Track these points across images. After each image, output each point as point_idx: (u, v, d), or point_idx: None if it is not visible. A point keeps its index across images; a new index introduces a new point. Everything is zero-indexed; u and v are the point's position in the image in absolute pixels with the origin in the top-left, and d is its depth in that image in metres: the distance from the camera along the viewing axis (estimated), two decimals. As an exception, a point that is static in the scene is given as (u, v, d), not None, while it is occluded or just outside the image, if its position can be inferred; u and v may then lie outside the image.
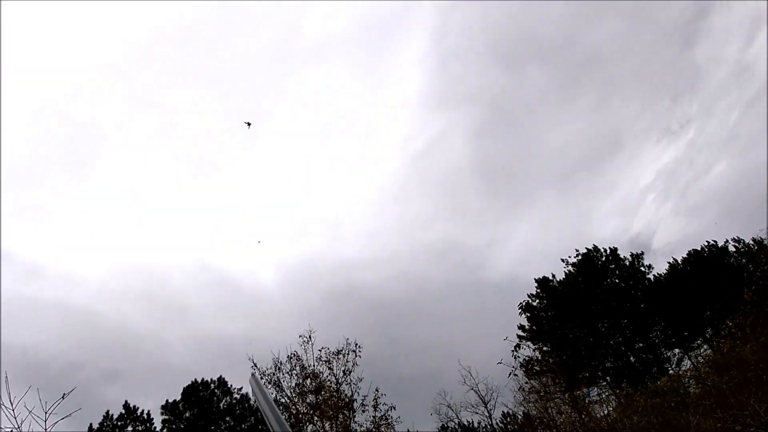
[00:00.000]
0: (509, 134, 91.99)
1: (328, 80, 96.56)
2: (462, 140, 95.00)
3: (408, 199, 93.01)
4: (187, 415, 30.63)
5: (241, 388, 31.66)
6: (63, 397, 6.78)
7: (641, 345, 31.13)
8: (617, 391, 27.18)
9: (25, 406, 6.50)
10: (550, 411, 26.69)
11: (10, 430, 6.47)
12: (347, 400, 18.66)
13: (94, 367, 51.56)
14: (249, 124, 20.18)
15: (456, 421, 30.37)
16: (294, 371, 19.07)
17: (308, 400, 18.74)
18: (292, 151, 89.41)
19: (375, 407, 18.66)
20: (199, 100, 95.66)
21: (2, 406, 6.45)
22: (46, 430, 6.54)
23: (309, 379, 18.95)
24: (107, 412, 30.05)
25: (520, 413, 30.35)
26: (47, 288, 74.32)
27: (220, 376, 32.50)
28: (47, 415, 6.57)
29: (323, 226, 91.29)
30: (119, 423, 29.85)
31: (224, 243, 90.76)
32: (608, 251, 32.94)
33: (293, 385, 18.95)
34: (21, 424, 6.51)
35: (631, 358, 30.69)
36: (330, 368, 19.01)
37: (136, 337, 64.64)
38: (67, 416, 6.77)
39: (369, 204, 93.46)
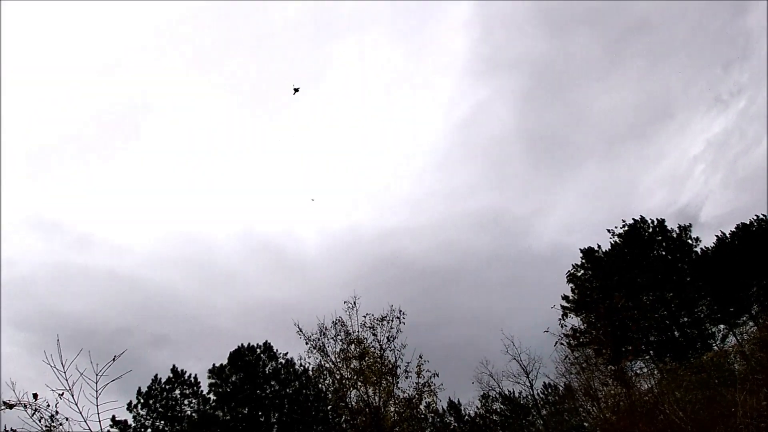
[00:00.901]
0: (555, 101, 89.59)
1: (370, 47, 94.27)
2: (506, 107, 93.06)
3: (451, 168, 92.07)
4: (233, 379, 30.87)
5: (287, 353, 31.98)
6: (114, 359, 6.79)
7: (686, 319, 30.35)
8: (660, 366, 26.52)
9: (77, 369, 6.60)
10: (592, 383, 26.23)
11: (62, 391, 6.54)
12: (390, 366, 18.61)
13: (143, 333, 52.73)
14: (296, 90, 19.11)
15: (497, 390, 30.34)
16: (339, 337, 19.07)
17: (352, 366, 18.75)
18: (335, 120, 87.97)
19: (418, 374, 18.72)
20: (244, 70, 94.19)
21: (54, 369, 6.47)
22: (96, 391, 6.60)
23: (353, 345, 18.93)
24: (155, 376, 30.49)
25: (562, 385, 30.16)
26: (97, 256, 75.83)
27: (266, 341, 32.59)
28: (98, 377, 6.62)
29: (367, 195, 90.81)
30: (167, 386, 30.26)
31: (270, 212, 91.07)
32: (655, 222, 31.95)
33: (338, 350, 19.02)
34: (72, 386, 6.60)
35: (676, 332, 29.95)
36: (374, 334, 18.96)
37: (183, 303, 66.21)
38: (117, 378, 6.79)
39: (412, 172, 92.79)
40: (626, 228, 31.51)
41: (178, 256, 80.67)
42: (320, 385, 21.64)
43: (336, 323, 18.97)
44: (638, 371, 26.34)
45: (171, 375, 30.68)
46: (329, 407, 23.56)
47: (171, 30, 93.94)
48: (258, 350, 32.05)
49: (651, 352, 28.79)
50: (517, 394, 30.97)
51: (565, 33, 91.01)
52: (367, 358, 18.52)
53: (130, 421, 28.29)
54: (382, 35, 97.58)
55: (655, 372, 26.74)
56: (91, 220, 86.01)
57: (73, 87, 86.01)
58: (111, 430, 27.10)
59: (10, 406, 6.53)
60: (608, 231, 31.67)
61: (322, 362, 18.82)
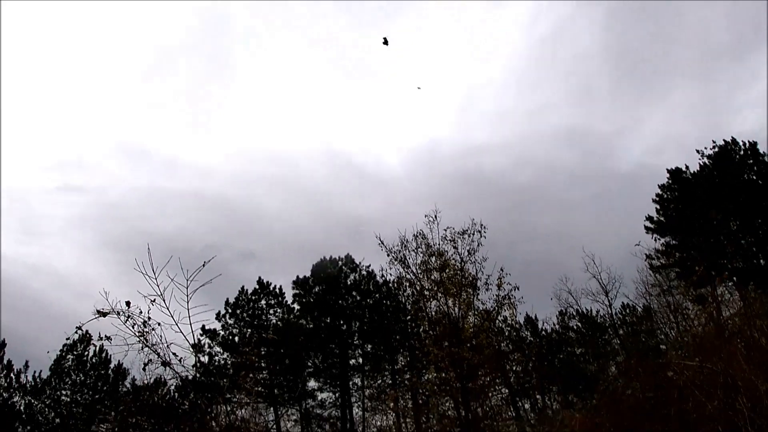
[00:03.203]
0: (643, 15, 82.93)
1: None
2: (592, 21, 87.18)
3: (533, 85, 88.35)
4: (316, 290, 32.25)
5: (369, 265, 32.72)
6: (203, 264, 6.93)
7: (774, 247, 29.11)
8: (743, 293, 25.74)
9: (167, 275, 6.79)
10: (674, 302, 25.88)
11: (153, 298, 6.75)
12: (471, 278, 18.53)
13: (230, 249, 55.39)
14: (386, 41, 18.81)
15: (575, 307, 30.40)
16: (419, 249, 19.05)
17: (432, 277, 18.81)
18: (416, 32, 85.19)
19: (499, 286, 18.46)
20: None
21: (146, 276, 6.68)
22: (187, 296, 6.81)
23: (434, 257, 18.92)
24: (242, 287, 32.13)
25: (641, 306, 29.85)
26: (184, 179, 79.28)
27: (348, 254, 33.58)
28: (188, 282, 6.84)
29: (449, 109, 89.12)
30: (253, 297, 31.92)
31: (350, 130, 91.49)
32: (747, 145, 30.17)
33: (418, 262, 18.99)
34: (163, 291, 6.81)
35: (761, 260, 28.79)
36: (455, 247, 18.79)
37: (269, 220, 68.89)
38: (207, 282, 6.98)
39: (495, 87, 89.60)
40: (716, 149, 29.92)
41: (261, 174, 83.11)
42: (400, 297, 22.22)
43: (417, 236, 18.89)
44: (720, 298, 25.74)
45: (257, 287, 32.23)
46: (408, 318, 24.32)
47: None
48: (340, 262, 33.09)
49: (734, 278, 27.92)
50: (594, 313, 30.89)
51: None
52: (447, 270, 18.50)
53: (219, 330, 30.41)
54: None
55: (738, 300, 26.01)
56: (177, 144, 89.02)
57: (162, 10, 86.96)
58: (201, 338, 29.13)
59: (104, 314, 6.62)
60: (697, 152, 30.26)
61: (403, 273, 18.89)
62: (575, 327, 31.49)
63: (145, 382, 7.33)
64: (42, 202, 69.42)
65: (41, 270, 53.90)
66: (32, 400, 27.02)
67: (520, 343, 28.05)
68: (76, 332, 6.65)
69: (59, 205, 70.36)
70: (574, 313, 30.85)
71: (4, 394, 26.45)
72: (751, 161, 29.50)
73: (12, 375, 27.19)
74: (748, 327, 6.50)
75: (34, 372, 27.75)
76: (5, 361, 27.36)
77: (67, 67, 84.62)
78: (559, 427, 9.80)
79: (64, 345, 27.44)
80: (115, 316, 6.74)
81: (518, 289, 18.56)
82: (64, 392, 27.81)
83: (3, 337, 27.73)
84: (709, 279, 20.69)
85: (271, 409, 28.59)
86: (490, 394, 21.39)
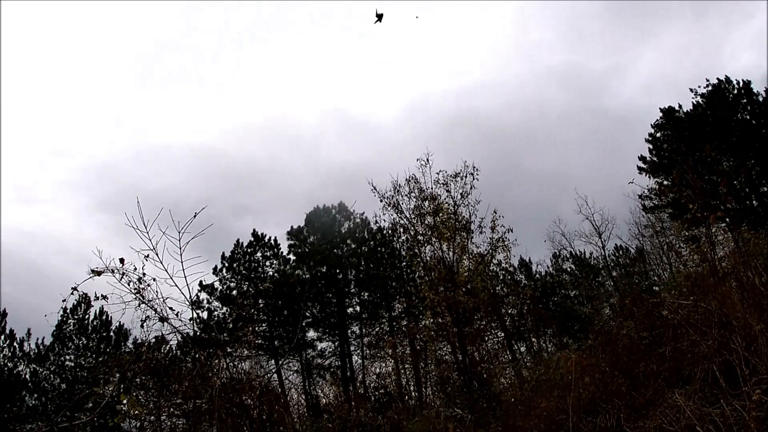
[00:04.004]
0: None
1: None
2: None
3: (524, 22, 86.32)
4: (311, 239, 32.29)
5: (363, 212, 32.72)
6: (195, 215, 6.77)
7: (766, 189, 29.21)
8: (736, 233, 25.95)
9: (159, 227, 6.64)
10: (664, 247, 26.22)
11: (146, 252, 6.63)
12: (465, 222, 18.49)
13: (224, 203, 55.13)
14: (380, 17, 17.55)
15: (569, 249, 30.74)
16: (412, 194, 18.88)
17: (426, 222, 18.75)
18: None
19: (493, 229, 18.47)
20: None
21: (137, 230, 6.56)
22: (180, 248, 6.71)
23: (427, 202, 18.79)
24: (237, 240, 32.14)
25: (634, 247, 30.25)
26: (174, 132, 78.12)
27: (341, 202, 33.55)
28: (180, 234, 6.72)
29: (439, 53, 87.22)
30: (249, 250, 31.98)
31: (341, 77, 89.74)
32: (741, 84, 29.88)
33: (411, 206, 18.85)
34: (156, 245, 6.69)
35: (754, 201, 28.94)
36: (447, 191, 18.64)
37: (261, 171, 68.25)
38: (200, 233, 6.86)
39: (484, 26, 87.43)
40: (710, 88, 29.72)
41: (253, 127, 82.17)
42: (395, 243, 22.28)
43: (409, 180, 18.69)
44: (714, 238, 25.89)
45: (252, 239, 32.30)
46: (404, 264, 24.55)
47: None
48: (333, 211, 33.11)
49: (727, 219, 28.15)
50: (588, 255, 31.35)
51: None
52: (441, 214, 18.42)
53: (217, 285, 30.63)
54: None
55: (730, 241, 26.26)
56: (164, 99, 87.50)
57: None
58: (199, 293, 29.33)
59: (98, 273, 6.53)
60: (690, 90, 30.02)
61: (397, 219, 18.82)
62: (569, 269, 31.92)
63: (145, 339, 7.30)
64: (33, 167, 68.39)
65: (38, 237, 53.64)
66: (37, 368, 27.39)
67: (515, 287, 28.36)
68: (72, 293, 6.58)
69: (51, 170, 69.19)
70: (568, 256, 31.25)
71: (9, 364, 26.75)
72: (745, 101, 29.29)
73: (15, 344, 27.46)
74: (742, 267, 6.52)
75: (37, 339, 28.09)
76: (7, 331, 27.59)
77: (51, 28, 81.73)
78: (555, 368, 9.97)
79: (62, 308, 27.55)
80: (110, 274, 6.65)
81: (512, 231, 18.57)
82: (67, 357, 28.18)
83: (3, 307, 27.90)
84: (702, 218, 20.83)
85: (272, 360, 29.08)
86: (486, 338, 21.79)
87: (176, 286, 6.83)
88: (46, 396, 26.97)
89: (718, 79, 29.90)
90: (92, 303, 7.92)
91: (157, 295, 6.91)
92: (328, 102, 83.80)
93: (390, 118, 79.90)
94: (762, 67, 54.21)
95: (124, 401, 6.37)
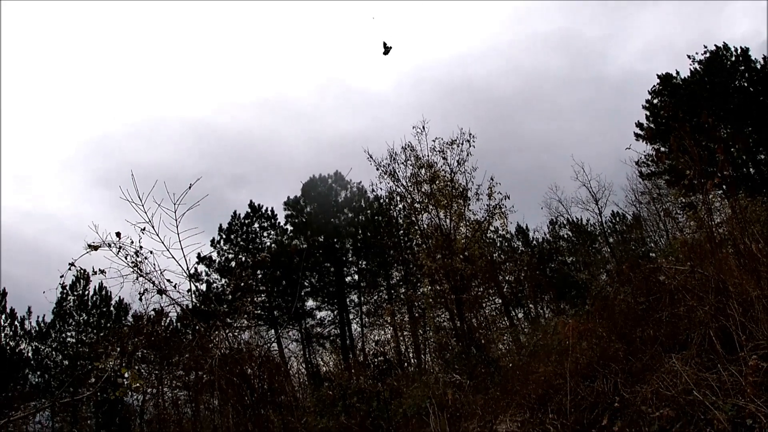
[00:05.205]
0: None
1: None
2: None
3: None
4: (308, 209, 32.23)
5: (360, 182, 32.53)
6: (189, 186, 6.80)
7: (763, 157, 29.16)
8: (732, 201, 25.92)
9: (154, 200, 6.70)
10: (661, 214, 26.29)
11: (143, 226, 6.69)
12: (461, 189, 18.45)
13: (222, 175, 54.88)
14: (387, 49, 16.73)
15: (565, 216, 30.79)
16: (408, 162, 18.83)
17: (423, 190, 18.71)
18: None
19: (489, 196, 18.44)
20: None
21: (132, 203, 6.62)
22: (176, 219, 6.76)
23: (423, 169, 18.74)
24: (234, 212, 32.03)
25: (630, 214, 30.34)
26: (170, 107, 77.23)
27: (337, 171, 33.33)
28: (176, 206, 6.77)
29: (434, 19, 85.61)
30: (246, 221, 31.90)
31: (337, 48, 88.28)
32: (739, 51, 29.56)
33: (408, 174, 18.81)
34: (152, 217, 6.75)
35: (751, 169, 28.92)
36: (444, 158, 18.56)
37: (257, 143, 67.83)
38: (195, 204, 6.91)
39: None
40: (707, 55, 29.41)
41: (248, 99, 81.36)
42: (392, 212, 22.19)
43: (405, 148, 18.60)
44: (710, 206, 25.90)
45: (249, 210, 32.26)
46: (401, 232, 24.53)
47: None
48: (329, 180, 32.93)
49: (724, 186, 28.13)
50: (585, 222, 31.44)
51: None
52: (437, 182, 18.42)
53: (215, 257, 30.65)
54: None
55: (726, 208, 26.21)
56: (161, 73, 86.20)
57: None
58: (198, 266, 29.29)
59: (95, 248, 6.58)
60: (688, 57, 29.73)
61: (394, 187, 18.85)
62: (566, 236, 32.04)
63: (144, 312, 7.31)
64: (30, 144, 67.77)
65: (36, 216, 53.40)
66: (39, 346, 27.52)
67: (512, 254, 28.49)
68: (69, 269, 6.58)
69: (47, 147, 68.51)
70: (565, 222, 31.35)
71: (11, 343, 26.86)
72: (743, 68, 29.02)
73: (16, 323, 27.52)
74: (739, 233, 6.53)
75: (38, 317, 28.10)
76: (8, 310, 27.63)
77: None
78: (552, 334, 10.07)
79: (60, 284, 27.41)
80: (107, 248, 6.70)
81: (509, 198, 18.51)
82: (69, 334, 28.29)
83: (3, 286, 27.89)
84: (700, 185, 20.81)
85: (272, 331, 29.31)
86: (484, 305, 21.99)
87: (173, 258, 6.89)
88: (49, 373, 27.19)
89: (716, 45, 29.58)
90: (91, 278, 7.90)
91: (154, 268, 6.95)
92: (324, 72, 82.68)
93: (388, 87, 79.01)
94: (761, 35, 53.38)
95: (126, 375, 6.39)
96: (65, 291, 28.30)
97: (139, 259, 6.85)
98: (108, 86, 77.47)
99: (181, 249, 6.85)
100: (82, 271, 6.66)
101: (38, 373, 27.15)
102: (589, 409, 5.99)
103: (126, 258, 6.81)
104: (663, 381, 5.14)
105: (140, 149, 63.96)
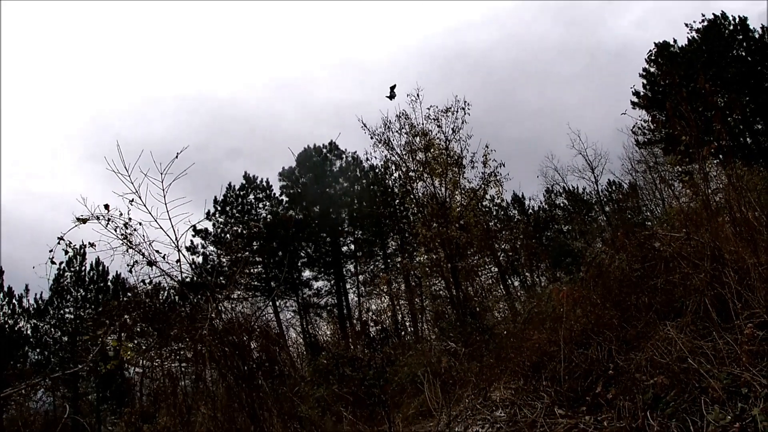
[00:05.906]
0: None
1: None
2: None
3: None
4: (303, 180, 32.22)
5: (355, 151, 32.42)
6: (176, 156, 6.60)
7: (760, 126, 29.06)
8: (728, 169, 25.85)
9: (141, 170, 6.49)
10: (657, 183, 26.28)
11: (131, 197, 6.51)
12: (456, 157, 18.32)
13: (217, 147, 54.38)
14: (393, 93, 16.77)
15: (561, 185, 30.82)
16: (403, 130, 18.61)
17: (418, 158, 18.56)
18: None
19: (485, 163, 18.32)
20: None
21: (118, 174, 6.41)
22: (163, 189, 6.57)
23: (418, 137, 18.55)
24: (229, 184, 31.93)
25: (627, 182, 30.35)
26: (163, 82, 76.18)
27: (331, 141, 33.12)
28: (163, 175, 6.56)
29: None
30: (241, 192, 31.78)
31: (329, 16, 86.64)
32: (737, 20, 29.25)
33: (403, 143, 18.60)
34: (138, 188, 6.54)
35: (748, 138, 28.83)
36: (439, 126, 18.34)
37: (251, 114, 67.09)
38: (182, 174, 6.67)
39: None
40: (705, 23, 29.10)
41: (240, 70, 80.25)
42: (387, 181, 22.08)
43: (400, 117, 18.33)
44: (706, 173, 25.81)
45: (244, 182, 32.17)
46: (396, 201, 24.49)
47: None
48: (324, 150, 32.82)
49: (720, 156, 28.07)
50: (581, 190, 31.48)
51: None
52: (432, 150, 18.28)
53: (211, 230, 30.59)
54: None
55: (722, 176, 26.13)
56: (155, 46, 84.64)
57: None
58: (193, 239, 29.16)
59: (83, 221, 6.45)
60: (686, 25, 29.42)
61: (388, 156, 18.62)
62: (562, 204, 32.12)
63: (136, 284, 7.26)
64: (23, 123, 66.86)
65: (33, 194, 52.95)
66: (37, 323, 27.58)
67: (508, 222, 28.55)
68: (58, 243, 6.51)
69: (40, 125, 67.57)
70: (561, 191, 31.37)
71: (10, 321, 26.89)
72: (741, 37, 28.75)
73: (14, 301, 27.50)
74: (736, 200, 6.46)
75: (35, 294, 28.03)
76: (6, 288, 27.56)
77: None
78: (547, 301, 10.09)
79: (50, 258, 27.27)
80: (95, 221, 6.56)
81: (504, 166, 18.40)
82: (67, 310, 28.33)
83: (0, 265, 27.73)
84: (696, 152, 20.72)
85: (269, 301, 29.50)
86: (479, 273, 22.05)
87: (161, 228, 6.73)
88: (49, 350, 27.39)
89: (714, 14, 29.28)
90: (82, 252, 7.87)
91: (144, 239, 6.81)
92: (320, 42, 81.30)
93: (384, 56, 77.67)
94: (760, 4, 52.56)
95: (114, 346, 6.38)
96: (62, 268, 28.19)
97: (128, 231, 6.73)
98: (101, 61, 76.15)
99: (169, 219, 6.68)
100: (70, 245, 6.58)
101: (38, 350, 27.33)
102: (583, 376, 6.00)
103: (116, 230, 6.68)
104: (657, 348, 5.13)
105: (134, 123, 63.15)
